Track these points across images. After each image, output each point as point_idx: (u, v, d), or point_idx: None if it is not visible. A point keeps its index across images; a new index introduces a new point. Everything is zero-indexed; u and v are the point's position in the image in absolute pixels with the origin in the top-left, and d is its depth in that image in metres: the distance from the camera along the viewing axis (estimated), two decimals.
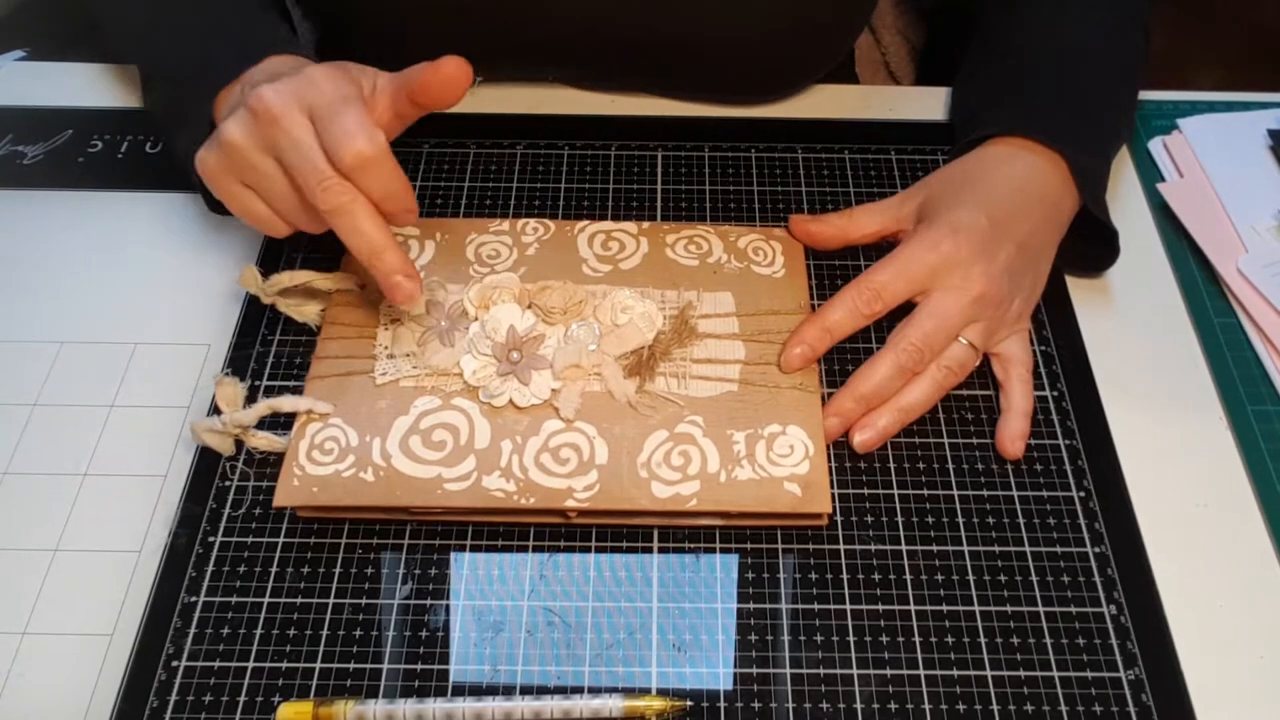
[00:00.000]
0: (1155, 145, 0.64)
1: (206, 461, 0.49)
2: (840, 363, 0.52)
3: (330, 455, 0.47)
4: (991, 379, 0.52)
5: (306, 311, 0.53)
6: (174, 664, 0.43)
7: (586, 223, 0.57)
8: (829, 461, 0.48)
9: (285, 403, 0.48)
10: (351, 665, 0.43)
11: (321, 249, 0.58)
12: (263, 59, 0.51)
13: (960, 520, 0.48)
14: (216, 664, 0.43)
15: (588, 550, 0.47)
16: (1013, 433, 0.49)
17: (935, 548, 0.47)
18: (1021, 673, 0.43)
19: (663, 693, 0.42)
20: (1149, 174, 0.62)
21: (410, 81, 0.45)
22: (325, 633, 0.44)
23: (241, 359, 0.53)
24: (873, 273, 0.50)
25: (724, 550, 0.47)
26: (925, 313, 0.49)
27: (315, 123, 0.44)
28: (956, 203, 0.52)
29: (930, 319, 0.49)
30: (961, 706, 0.42)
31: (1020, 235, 0.51)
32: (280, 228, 0.48)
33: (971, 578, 0.46)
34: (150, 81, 0.59)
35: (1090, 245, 0.55)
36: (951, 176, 0.54)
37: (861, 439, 0.49)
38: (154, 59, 0.57)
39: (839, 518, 0.48)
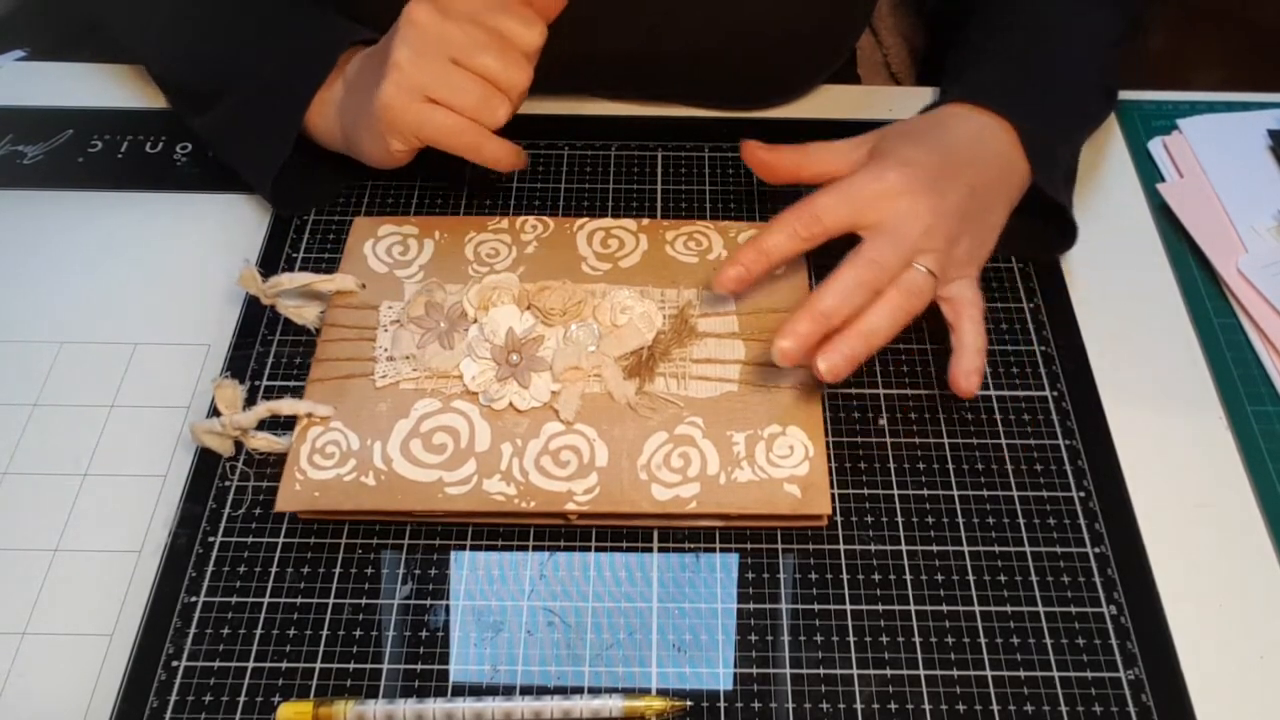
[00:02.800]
0: (1155, 145, 0.64)
1: (206, 462, 0.49)
2: None
3: (331, 459, 0.47)
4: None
5: (306, 314, 0.53)
6: (174, 664, 0.43)
7: (586, 220, 0.57)
8: (829, 462, 0.48)
9: (285, 405, 0.48)
10: (351, 665, 0.43)
11: (322, 250, 0.58)
12: (345, 53, 0.54)
13: (960, 520, 0.47)
14: (216, 664, 0.43)
15: (588, 550, 0.47)
16: (966, 368, 0.47)
17: (935, 548, 0.47)
18: (1021, 673, 0.43)
19: (663, 693, 0.42)
20: (1149, 174, 0.62)
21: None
22: (325, 633, 0.44)
23: (241, 359, 0.53)
24: (815, 197, 0.48)
25: (724, 550, 0.47)
26: (878, 235, 0.47)
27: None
28: (909, 143, 0.51)
29: (884, 239, 0.47)
30: (961, 706, 0.42)
31: (972, 179, 0.50)
32: (471, 135, 0.50)
33: (971, 578, 0.46)
34: (200, 98, 0.58)
35: (1047, 225, 0.54)
36: (906, 125, 0.54)
37: (828, 364, 0.45)
38: (214, 76, 0.57)
39: (839, 518, 0.48)
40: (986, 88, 0.54)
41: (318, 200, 0.60)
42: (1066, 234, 0.55)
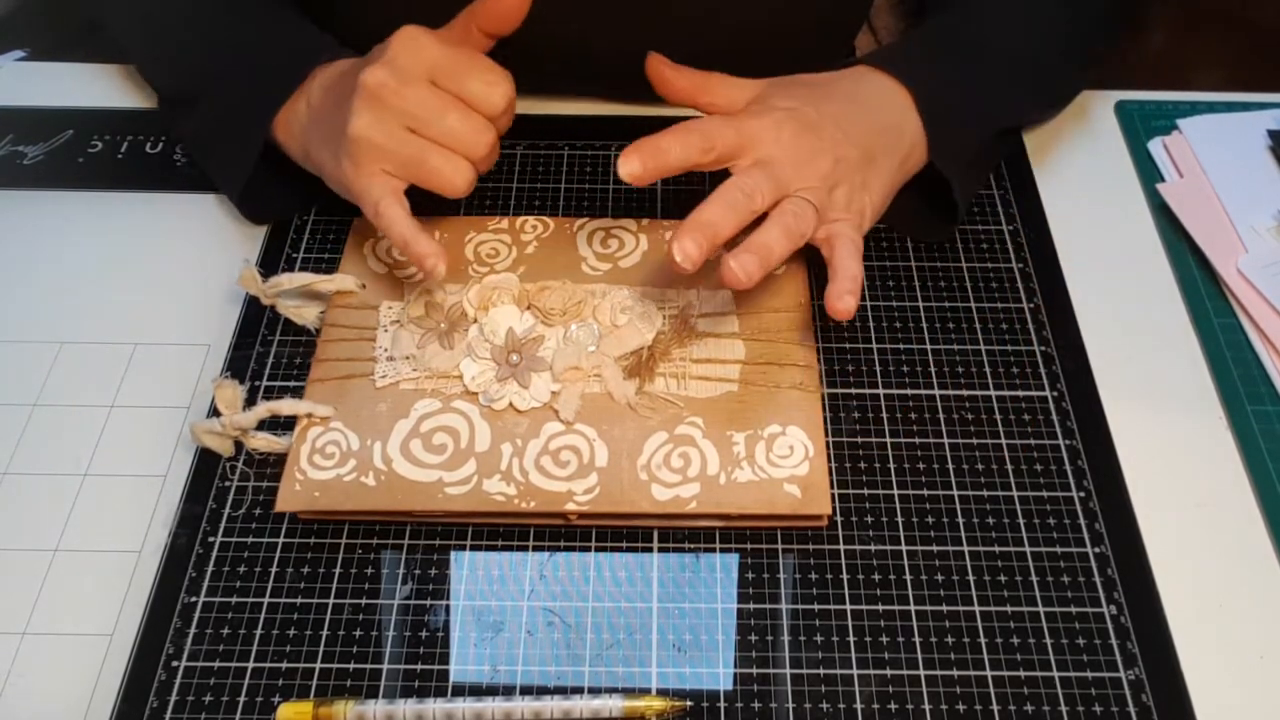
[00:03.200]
0: (1155, 145, 0.64)
1: (206, 462, 0.49)
2: (840, 363, 0.53)
3: (331, 460, 0.47)
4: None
5: (306, 314, 0.53)
6: (174, 664, 0.43)
7: (586, 220, 0.57)
8: (829, 462, 0.48)
9: (285, 406, 0.48)
10: (351, 665, 0.43)
11: (322, 250, 0.58)
12: (313, 69, 0.53)
13: (960, 520, 0.48)
14: (216, 664, 0.43)
15: (588, 550, 0.47)
16: (839, 290, 0.46)
17: (935, 548, 0.47)
18: (1021, 673, 0.43)
19: (663, 693, 0.42)
20: (1149, 174, 0.62)
21: (475, 15, 0.50)
22: (325, 633, 0.44)
23: (241, 359, 0.53)
24: (709, 119, 0.49)
25: (724, 550, 0.47)
26: (752, 168, 0.48)
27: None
28: (795, 90, 0.52)
29: (756, 170, 0.48)
30: (961, 706, 0.42)
31: (849, 129, 0.51)
32: (460, 167, 0.48)
33: (971, 578, 0.46)
34: (181, 103, 0.58)
35: (937, 202, 0.55)
36: (803, 76, 0.54)
37: (739, 263, 0.45)
38: (192, 81, 0.57)
39: (839, 518, 0.48)
40: (890, 55, 0.56)
41: (287, 209, 0.59)
42: (953, 212, 0.55)
